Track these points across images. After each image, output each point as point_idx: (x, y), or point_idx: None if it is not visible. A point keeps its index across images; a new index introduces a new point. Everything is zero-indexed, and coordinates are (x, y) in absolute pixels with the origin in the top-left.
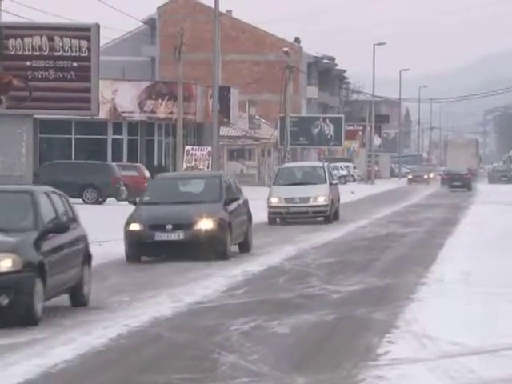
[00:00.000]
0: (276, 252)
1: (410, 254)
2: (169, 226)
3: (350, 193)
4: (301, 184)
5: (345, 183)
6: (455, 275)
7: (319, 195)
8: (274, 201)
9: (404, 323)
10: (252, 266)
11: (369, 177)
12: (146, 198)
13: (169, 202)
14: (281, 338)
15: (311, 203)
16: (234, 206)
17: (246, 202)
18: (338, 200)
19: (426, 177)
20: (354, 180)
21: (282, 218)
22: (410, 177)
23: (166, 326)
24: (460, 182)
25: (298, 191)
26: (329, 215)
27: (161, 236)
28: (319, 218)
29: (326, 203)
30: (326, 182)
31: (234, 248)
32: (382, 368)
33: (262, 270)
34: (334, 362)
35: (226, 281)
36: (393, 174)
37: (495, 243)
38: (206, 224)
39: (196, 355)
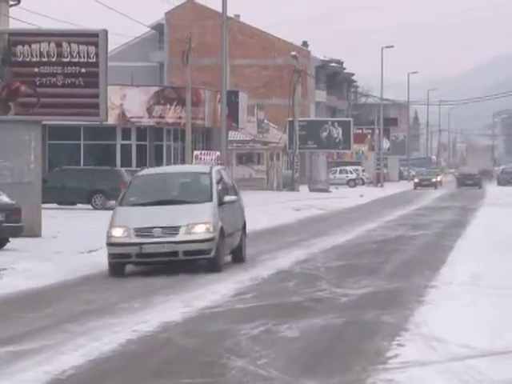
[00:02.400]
0: None
1: (420, 256)
2: None
3: (359, 196)
4: (166, 204)
5: (354, 186)
6: (465, 278)
7: (197, 223)
8: (118, 233)
9: (413, 326)
10: (261, 270)
11: (378, 180)
12: None
13: None
14: (290, 342)
15: (182, 237)
16: None
17: None
18: (242, 229)
19: (433, 180)
20: (363, 183)
21: (133, 263)
22: (416, 180)
23: (176, 331)
24: (472, 181)
25: (159, 216)
26: (215, 257)
27: None
28: (200, 262)
29: (208, 236)
30: (211, 200)
31: None
32: (392, 371)
33: (270, 275)
34: (343, 365)
35: (235, 285)
36: (402, 177)
37: (505, 246)
38: None
39: (206, 360)
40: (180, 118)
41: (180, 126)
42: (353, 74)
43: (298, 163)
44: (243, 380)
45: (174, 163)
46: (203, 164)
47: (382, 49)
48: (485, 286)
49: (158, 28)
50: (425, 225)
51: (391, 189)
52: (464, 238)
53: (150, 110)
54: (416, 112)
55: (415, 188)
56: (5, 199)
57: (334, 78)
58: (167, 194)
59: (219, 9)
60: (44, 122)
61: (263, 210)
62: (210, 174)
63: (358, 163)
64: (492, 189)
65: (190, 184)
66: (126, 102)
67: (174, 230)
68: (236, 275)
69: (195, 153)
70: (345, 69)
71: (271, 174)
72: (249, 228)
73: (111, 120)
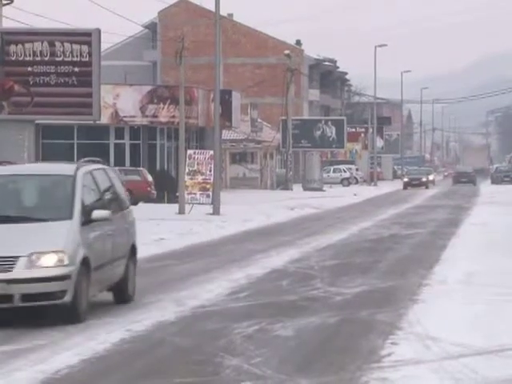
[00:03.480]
0: None
1: (413, 255)
2: None
3: (353, 195)
4: (2, 221)
5: (348, 185)
6: (458, 276)
7: (45, 251)
8: None
9: (407, 325)
10: (255, 269)
11: (371, 179)
12: None
13: None
14: (284, 341)
15: (20, 273)
16: None
17: None
18: (130, 255)
19: (424, 180)
20: (357, 182)
21: None
22: (405, 180)
23: (170, 331)
24: (467, 179)
25: None
26: (72, 303)
27: None
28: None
29: (61, 272)
30: (70, 217)
31: None
32: (386, 370)
33: (264, 274)
34: (337, 364)
35: (229, 284)
36: (395, 176)
37: (498, 244)
38: None
39: (200, 359)
40: (173, 117)
41: (173, 125)
42: (346, 73)
43: (291, 162)
44: (237, 379)
45: (168, 162)
46: (71, 163)
47: (376, 48)
48: (479, 284)
49: (152, 27)
50: (418, 223)
51: (385, 188)
52: (458, 236)
53: (143, 109)
54: (409, 111)
55: (405, 188)
56: None
57: (328, 76)
58: (5, 206)
59: (212, 8)
60: (37, 121)
61: (257, 209)
62: (73, 177)
63: (352, 162)
64: (486, 187)
65: (43, 192)
66: (119, 101)
67: (9, 262)
68: (230, 274)
69: (189, 152)
70: (338, 67)
71: (265, 173)
72: (243, 227)
73: (104, 119)
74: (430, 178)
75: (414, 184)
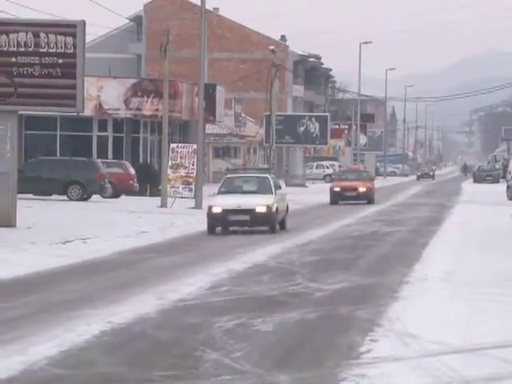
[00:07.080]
0: None
1: (394, 252)
2: None
3: None
4: None
5: (330, 181)
6: (439, 274)
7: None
8: None
9: (387, 322)
10: (236, 264)
11: None
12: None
13: None
14: (264, 336)
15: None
16: None
17: None
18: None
19: (361, 190)
20: None
21: None
22: (336, 189)
23: (150, 324)
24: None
25: None
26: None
27: None
28: None
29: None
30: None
31: None
32: (365, 366)
33: (245, 268)
34: (316, 360)
35: (210, 278)
36: (378, 173)
37: (479, 243)
38: None
39: (179, 353)
40: (157, 110)
41: (157, 119)
42: (331, 70)
43: (274, 158)
44: (216, 373)
45: (151, 156)
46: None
47: (360, 45)
48: (458, 282)
49: (137, 20)
50: (400, 221)
51: None
52: (439, 234)
53: (127, 102)
54: (393, 108)
55: (334, 201)
56: None
57: (312, 72)
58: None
59: (198, 1)
60: (20, 112)
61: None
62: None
63: (335, 158)
64: (468, 186)
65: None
66: (103, 93)
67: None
68: (211, 268)
69: (172, 145)
70: (323, 64)
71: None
72: None
73: (88, 111)
74: (367, 186)
75: (345, 196)
